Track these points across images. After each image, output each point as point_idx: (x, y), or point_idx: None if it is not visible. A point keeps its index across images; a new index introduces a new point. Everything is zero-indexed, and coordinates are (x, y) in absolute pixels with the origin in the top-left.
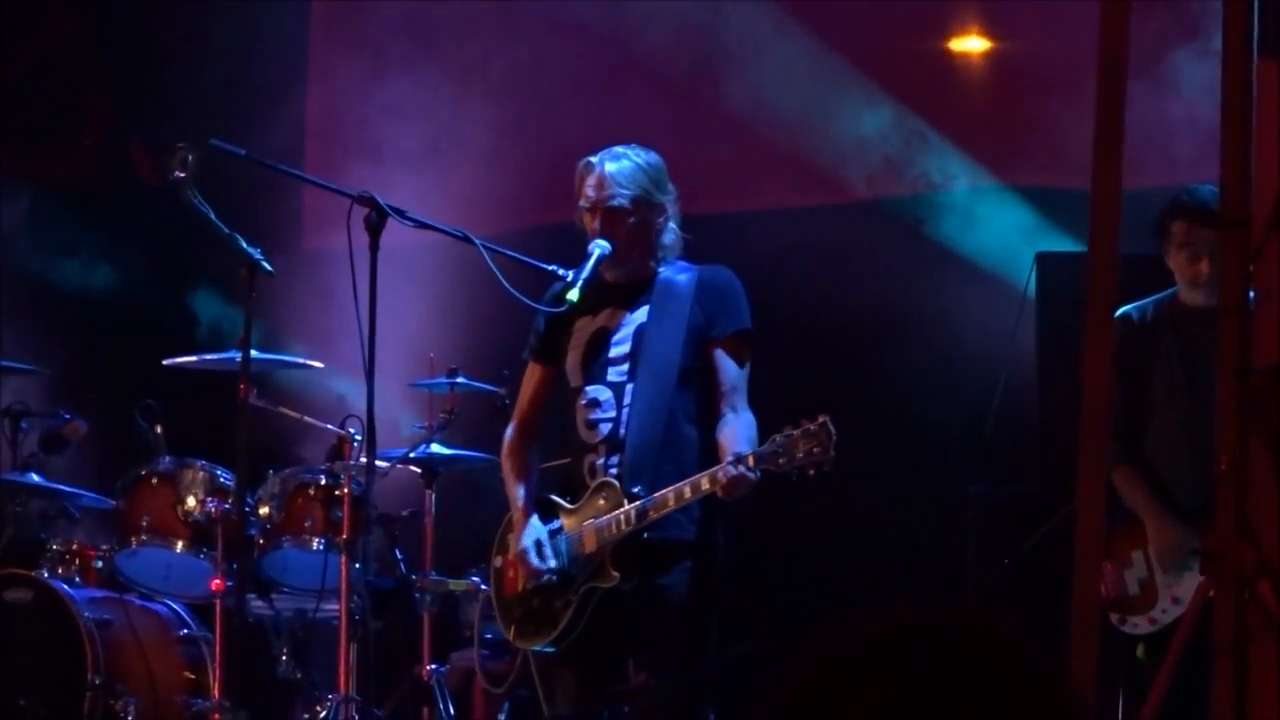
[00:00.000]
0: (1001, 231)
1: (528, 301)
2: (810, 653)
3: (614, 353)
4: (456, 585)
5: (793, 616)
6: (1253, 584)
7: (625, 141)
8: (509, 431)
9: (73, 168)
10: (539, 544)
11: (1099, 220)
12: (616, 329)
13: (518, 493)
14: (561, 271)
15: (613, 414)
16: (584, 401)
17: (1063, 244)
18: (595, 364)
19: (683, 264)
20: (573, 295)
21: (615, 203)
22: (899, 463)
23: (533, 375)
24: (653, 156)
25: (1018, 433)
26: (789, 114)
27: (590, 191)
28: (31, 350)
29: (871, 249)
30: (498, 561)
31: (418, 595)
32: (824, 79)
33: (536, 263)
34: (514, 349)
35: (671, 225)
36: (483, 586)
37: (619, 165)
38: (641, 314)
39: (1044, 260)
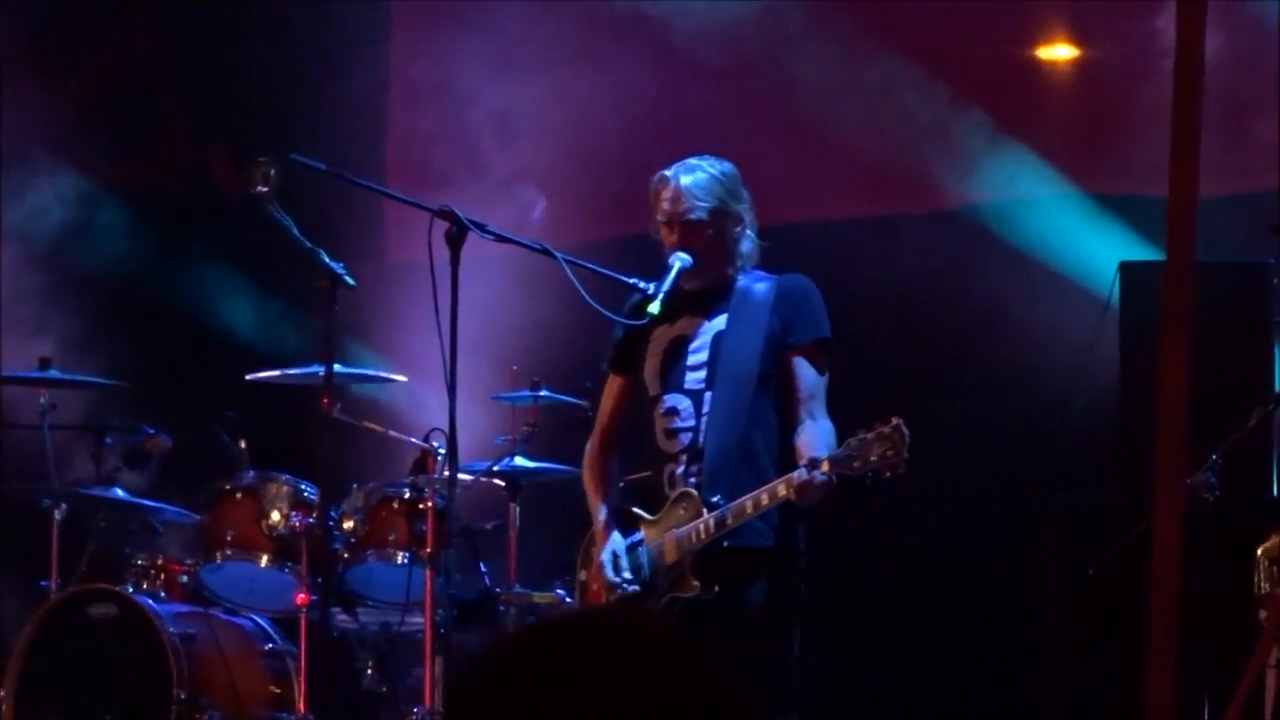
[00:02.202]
0: (1085, 240)
1: (609, 314)
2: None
3: (692, 360)
4: (540, 598)
5: (872, 623)
6: None
7: (702, 151)
8: (590, 444)
9: (153, 178)
10: (615, 557)
11: (1175, 227)
12: (694, 337)
13: (599, 506)
14: (642, 284)
15: (691, 423)
16: (662, 410)
17: (1147, 253)
18: (673, 372)
19: (760, 273)
20: (654, 308)
21: (692, 216)
22: (980, 470)
23: (612, 386)
24: (727, 166)
25: (1100, 441)
26: (867, 122)
27: (666, 205)
28: (114, 365)
29: (952, 258)
30: (582, 575)
31: (502, 608)
32: (903, 86)
33: (617, 275)
34: (596, 361)
35: (748, 233)
36: (566, 599)
37: (694, 177)
38: (719, 322)
39: (1127, 269)
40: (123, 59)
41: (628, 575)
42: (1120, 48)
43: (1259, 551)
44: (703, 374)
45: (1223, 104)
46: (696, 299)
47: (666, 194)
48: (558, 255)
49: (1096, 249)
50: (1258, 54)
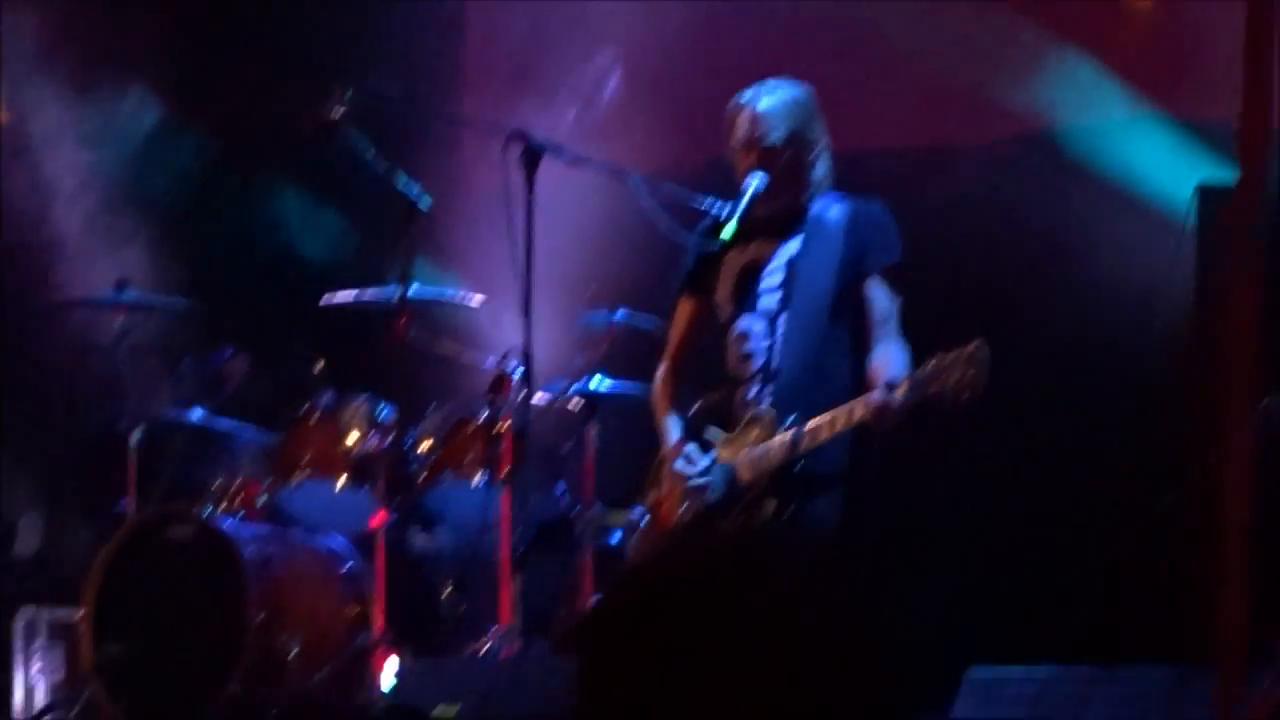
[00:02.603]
0: (1163, 164)
1: (683, 237)
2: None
3: (766, 284)
4: (618, 518)
5: (956, 545)
6: None
7: (781, 75)
8: (660, 368)
9: (232, 102)
10: (688, 455)
11: (1248, 149)
12: (768, 261)
13: (669, 427)
14: (716, 207)
15: (765, 345)
16: (735, 334)
17: (1227, 176)
18: (747, 296)
19: (834, 196)
20: (728, 231)
21: (769, 141)
22: (1054, 396)
23: (684, 310)
24: (803, 91)
25: (1177, 364)
26: (940, 46)
27: (743, 130)
28: (192, 288)
29: (1029, 182)
30: (651, 496)
31: (579, 529)
32: (978, 8)
33: (692, 197)
34: (673, 282)
35: (824, 158)
36: (644, 520)
37: (771, 102)
38: (794, 246)
39: (1205, 193)
40: None
41: (705, 480)
42: None
43: None
44: (777, 298)
45: None
46: (771, 223)
47: (743, 119)
48: (632, 177)
49: (1175, 172)
50: None
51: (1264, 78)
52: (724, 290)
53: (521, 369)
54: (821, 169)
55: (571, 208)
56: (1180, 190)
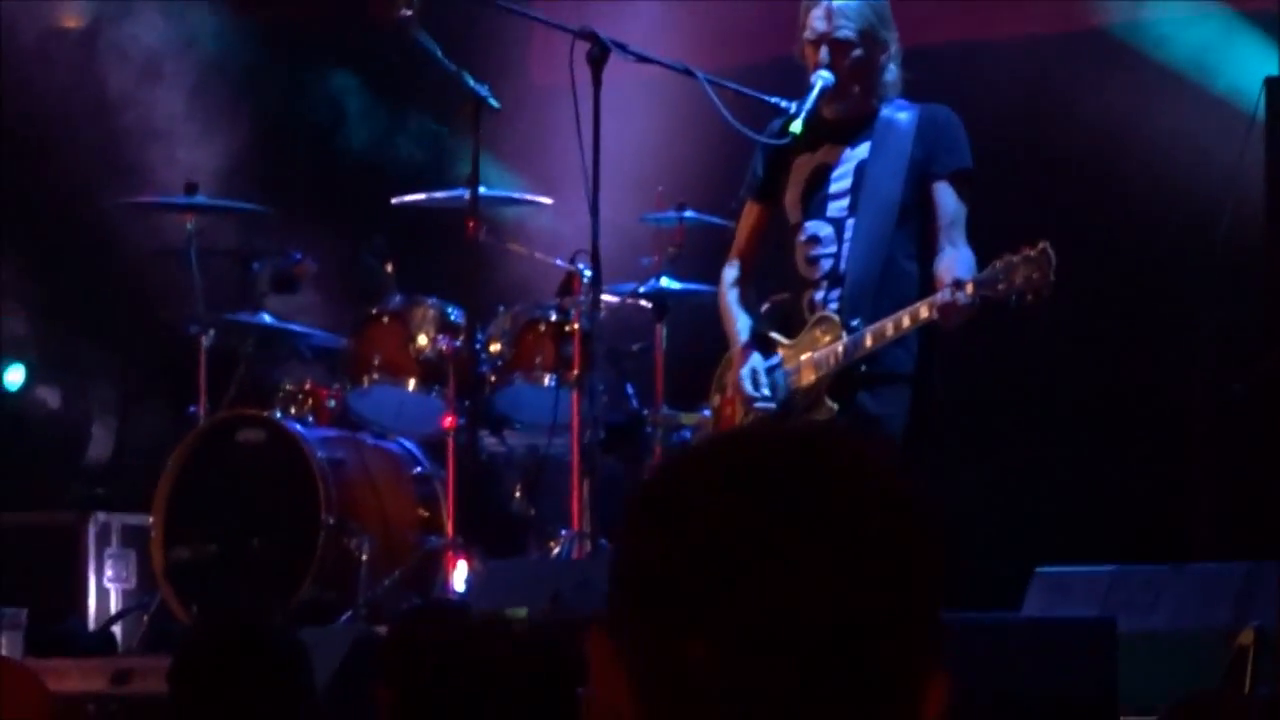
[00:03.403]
0: (1231, 56)
1: (751, 134)
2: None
3: (834, 188)
4: (688, 419)
5: (1016, 446)
6: None
7: None
8: (726, 269)
9: (307, 6)
10: (755, 373)
11: None
12: (837, 165)
13: (736, 329)
14: (784, 104)
15: (833, 249)
16: (804, 238)
17: None
18: (815, 200)
19: (903, 102)
20: (795, 127)
21: (841, 34)
22: (1124, 290)
23: (750, 213)
24: None
25: (1247, 261)
26: None
27: (817, 24)
28: (261, 189)
29: (1094, 76)
30: (715, 400)
31: (649, 430)
32: None
33: (760, 95)
34: (741, 182)
35: (894, 63)
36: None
37: None
38: (863, 150)
39: (1274, 85)
40: None
41: (766, 392)
42: None
43: None
44: (845, 202)
45: None
46: (839, 127)
47: (817, 11)
48: (700, 75)
49: (1243, 65)
50: None
51: None
52: (792, 194)
53: (590, 270)
54: (891, 73)
55: (639, 106)
56: (1249, 83)
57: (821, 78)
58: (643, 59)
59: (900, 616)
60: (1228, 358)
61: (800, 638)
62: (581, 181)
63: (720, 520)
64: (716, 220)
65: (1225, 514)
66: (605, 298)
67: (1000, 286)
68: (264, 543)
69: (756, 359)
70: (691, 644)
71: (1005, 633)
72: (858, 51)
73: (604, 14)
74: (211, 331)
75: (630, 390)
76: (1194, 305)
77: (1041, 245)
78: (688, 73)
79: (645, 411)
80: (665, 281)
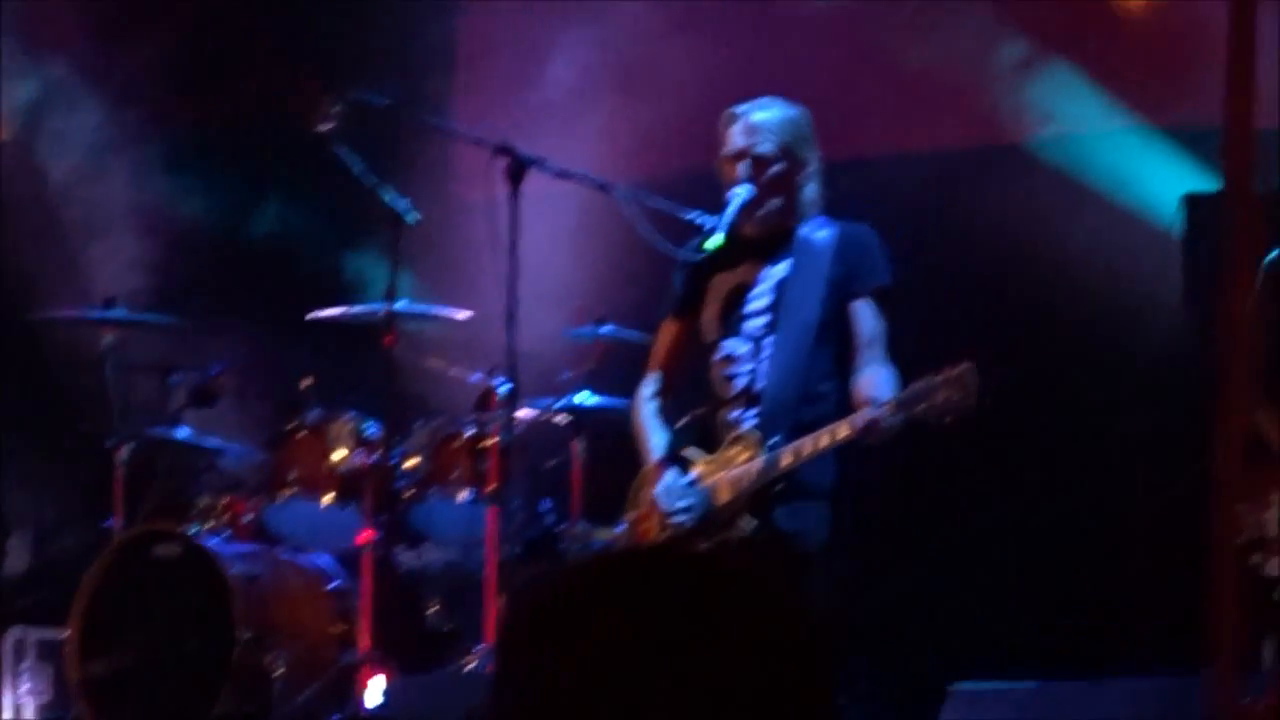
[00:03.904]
0: (1149, 173)
1: (670, 249)
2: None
3: (752, 307)
4: (604, 534)
5: (942, 559)
6: None
7: (768, 87)
8: (643, 385)
9: (226, 116)
10: (670, 489)
11: (1233, 157)
12: (756, 283)
13: (650, 445)
14: (702, 220)
15: (749, 367)
16: (719, 356)
17: (1213, 185)
18: (732, 318)
19: (823, 220)
20: (713, 242)
21: (761, 149)
22: (1044, 405)
23: (669, 330)
24: (800, 112)
25: (1167, 373)
26: (930, 56)
27: (737, 139)
28: (181, 303)
29: (1017, 192)
30: (632, 515)
31: (565, 545)
32: (968, 19)
33: (678, 210)
34: (660, 296)
35: (813, 184)
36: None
37: (767, 114)
38: (782, 268)
39: (1191, 202)
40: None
41: (682, 504)
42: None
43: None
44: (763, 320)
45: None
46: (758, 245)
47: (737, 127)
48: (618, 190)
49: (1161, 182)
50: None
51: (1246, 82)
52: (710, 312)
53: (507, 384)
54: (811, 191)
55: (558, 221)
56: (1167, 199)
57: (740, 192)
58: (561, 174)
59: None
60: (1150, 472)
61: None
62: (499, 295)
63: (593, 642)
64: (635, 335)
65: (1148, 627)
66: (522, 413)
67: (921, 407)
68: (180, 657)
69: (673, 474)
70: None
71: None
72: (777, 167)
73: (523, 129)
74: (128, 445)
75: (547, 505)
76: (1115, 420)
77: (964, 366)
78: (606, 187)
79: (562, 527)
80: (583, 396)
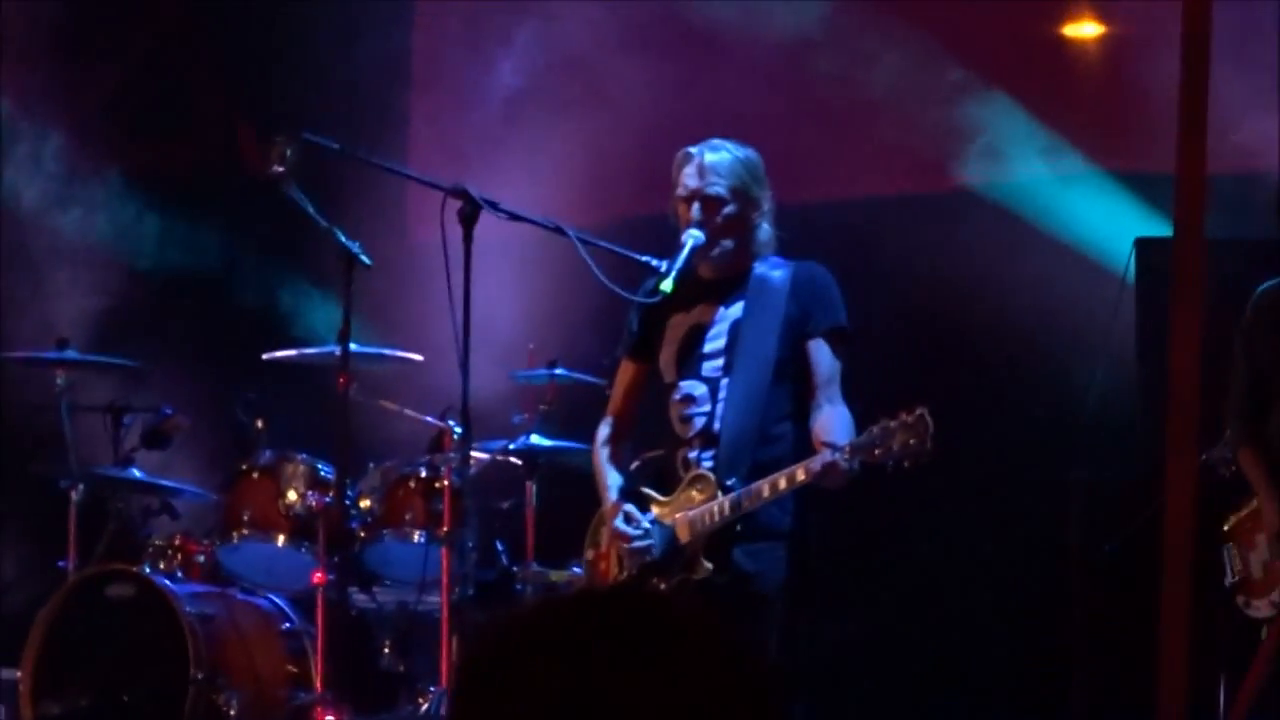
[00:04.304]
0: (1101, 217)
1: (622, 293)
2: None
3: (709, 348)
4: (558, 576)
5: (891, 602)
6: None
7: (716, 132)
8: (601, 427)
9: (179, 159)
10: (629, 515)
11: (1184, 204)
12: (711, 325)
13: (608, 484)
14: (655, 262)
15: (707, 408)
16: (678, 397)
17: (1163, 229)
18: (689, 360)
19: (777, 259)
20: (666, 285)
21: (713, 190)
22: (997, 449)
23: (626, 372)
24: (751, 153)
25: (1119, 419)
26: (883, 101)
27: (689, 180)
28: (133, 346)
29: (968, 236)
30: (590, 555)
31: (519, 587)
32: (921, 64)
33: (631, 253)
34: (613, 339)
35: (766, 224)
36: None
37: (719, 156)
38: (737, 309)
39: (1143, 245)
40: (154, 41)
41: (642, 544)
42: (1139, 24)
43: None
44: (720, 361)
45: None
46: (713, 287)
47: (690, 169)
48: (571, 233)
49: (1113, 226)
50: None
51: (1198, 127)
52: (667, 353)
53: (460, 427)
54: (765, 232)
55: (512, 264)
56: (1119, 243)
57: (692, 235)
58: (514, 216)
59: None
60: (1103, 516)
61: None
62: (452, 338)
63: (543, 688)
64: (588, 378)
65: (1097, 675)
66: (476, 454)
67: (877, 452)
68: (134, 697)
69: (630, 506)
70: None
71: None
72: (729, 208)
73: (477, 172)
74: (81, 485)
75: (501, 547)
76: (1067, 465)
77: (919, 411)
78: (559, 231)
79: (515, 568)
80: (536, 439)
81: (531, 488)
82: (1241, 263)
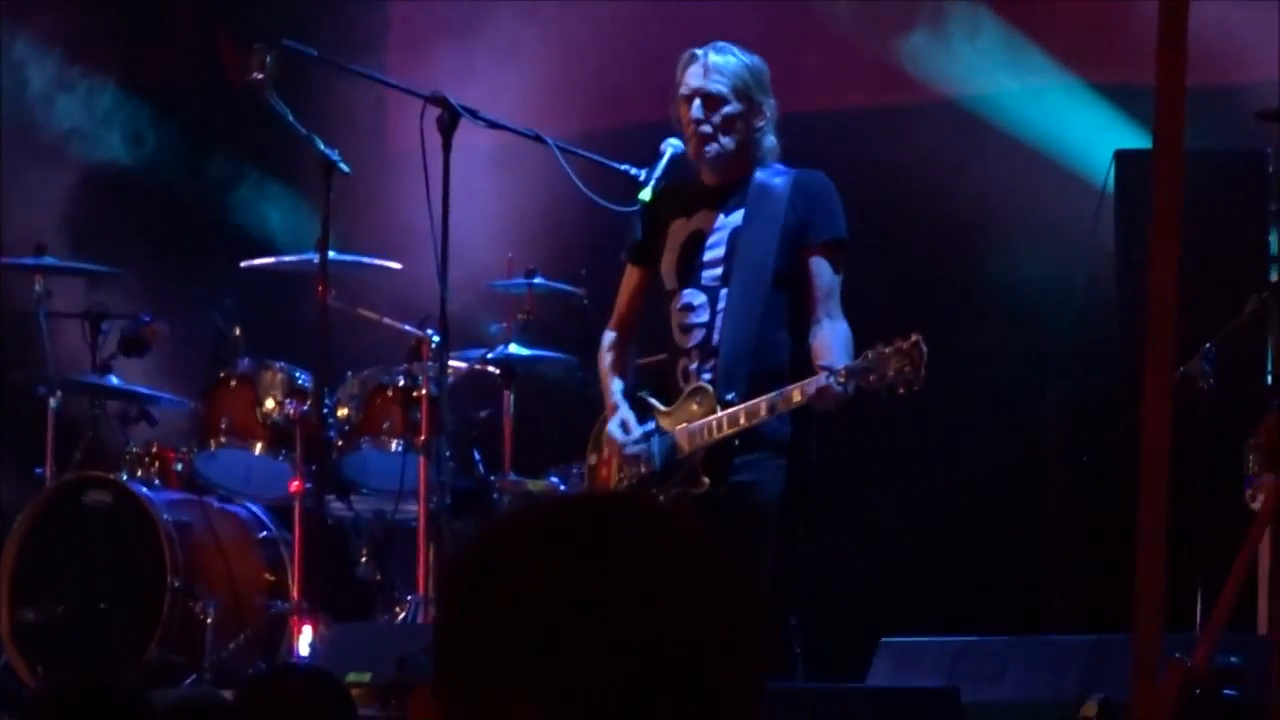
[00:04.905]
0: (1082, 129)
1: (600, 201)
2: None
3: (708, 256)
4: (535, 486)
5: (869, 518)
6: None
7: (689, 41)
8: (605, 333)
9: (152, 67)
10: (625, 423)
11: (1163, 121)
12: (711, 232)
13: (612, 388)
14: (634, 171)
15: (706, 319)
16: (679, 305)
17: (1144, 142)
18: (690, 267)
19: (779, 167)
20: (645, 194)
21: (715, 88)
22: (978, 360)
23: (630, 277)
24: (757, 59)
25: (1099, 330)
26: (858, 12)
27: (692, 80)
28: (112, 252)
29: (950, 148)
30: (592, 459)
31: (496, 496)
32: None
33: (609, 162)
34: (591, 249)
35: (769, 132)
36: (561, 487)
37: (724, 58)
38: (736, 217)
39: (1123, 157)
40: None
41: (637, 436)
42: None
43: (1248, 444)
44: (719, 270)
45: None
46: (715, 193)
47: (694, 68)
48: (550, 141)
49: (1093, 138)
50: None
51: (1178, 37)
52: (668, 260)
53: (439, 335)
54: (768, 141)
55: (490, 173)
56: (1099, 156)
57: (671, 144)
58: (493, 125)
59: (715, 677)
60: (1080, 429)
61: (619, 694)
62: (431, 246)
63: (536, 584)
64: (566, 287)
65: (1074, 585)
66: (454, 363)
67: (872, 378)
68: (110, 605)
69: (629, 413)
70: (516, 706)
71: (847, 702)
72: (730, 106)
73: (456, 79)
74: (59, 393)
75: (478, 456)
76: (1047, 376)
77: (914, 338)
78: (538, 139)
79: (493, 478)
80: (514, 348)
81: (509, 397)
82: (1220, 175)
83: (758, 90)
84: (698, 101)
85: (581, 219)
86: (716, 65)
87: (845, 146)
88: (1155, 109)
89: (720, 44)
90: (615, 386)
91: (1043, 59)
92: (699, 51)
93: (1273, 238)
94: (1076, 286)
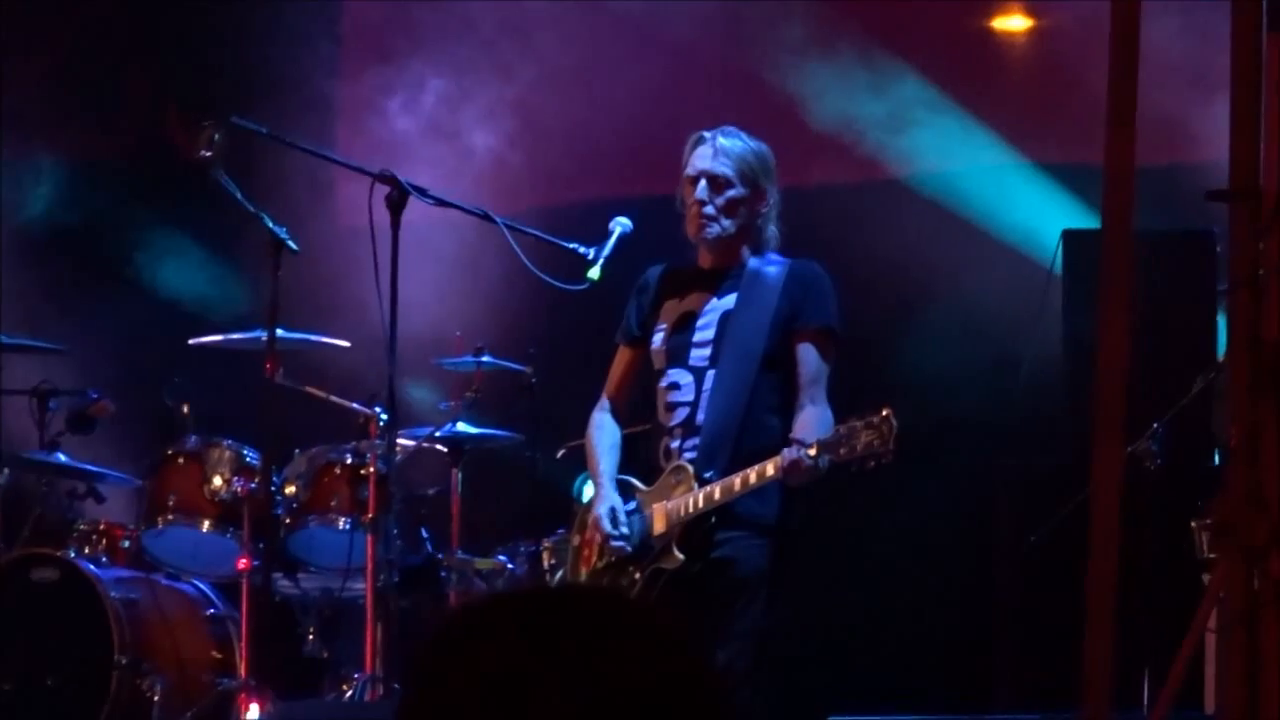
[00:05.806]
0: (1029, 209)
1: (548, 279)
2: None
3: (698, 337)
4: (482, 564)
5: (815, 591)
6: (1264, 556)
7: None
8: (596, 411)
9: (107, 143)
10: (614, 512)
11: (1113, 197)
12: (702, 314)
13: (600, 469)
14: (582, 250)
15: (691, 398)
16: (664, 384)
17: (1090, 221)
18: (678, 347)
19: (776, 256)
20: (594, 273)
21: (722, 171)
22: (925, 439)
23: (622, 357)
24: (764, 146)
25: (1045, 409)
26: (813, 92)
27: (699, 161)
28: (60, 328)
29: (897, 226)
30: (575, 540)
31: (444, 574)
32: (852, 54)
33: (557, 240)
34: (540, 327)
35: (771, 220)
36: (509, 565)
37: (732, 142)
38: (729, 300)
39: (1070, 237)
40: (84, 25)
41: (624, 530)
42: (1070, 17)
43: (1193, 524)
44: (708, 351)
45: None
46: (709, 276)
47: (703, 149)
48: (498, 220)
49: (1041, 217)
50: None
51: (1126, 118)
52: (658, 341)
53: (386, 413)
54: (769, 230)
55: (439, 251)
56: (1047, 235)
57: (620, 223)
58: (442, 203)
59: None
60: (1029, 508)
61: None
62: (379, 324)
63: (502, 671)
64: (514, 365)
65: (1024, 664)
66: (401, 441)
67: (842, 450)
68: (57, 682)
69: (616, 499)
70: None
71: None
72: (735, 190)
73: (404, 158)
74: (6, 470)
75: (425, 534)
76: (995, 455)
77: (885, 412)
78: (486, 217)
79: (440, 555)
80: (462, 426)
81: (457, 475)
82: (1168, 255)
83: (763, 176)
84: (703, 182)
85: (530, 297)
86: (724, 148)
87: (794, 222)
88: (1104, 186)
89: (728, 128)
90: (604, 468)
91: (992, 138)
92: (707, 134)
93: (1221, 317)
94: (1024, 366)
